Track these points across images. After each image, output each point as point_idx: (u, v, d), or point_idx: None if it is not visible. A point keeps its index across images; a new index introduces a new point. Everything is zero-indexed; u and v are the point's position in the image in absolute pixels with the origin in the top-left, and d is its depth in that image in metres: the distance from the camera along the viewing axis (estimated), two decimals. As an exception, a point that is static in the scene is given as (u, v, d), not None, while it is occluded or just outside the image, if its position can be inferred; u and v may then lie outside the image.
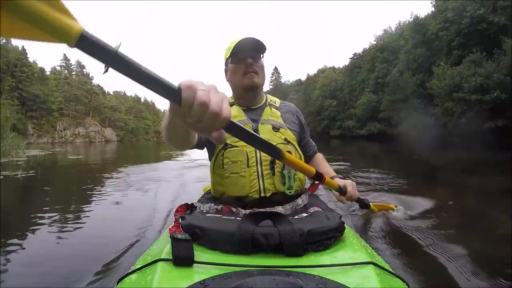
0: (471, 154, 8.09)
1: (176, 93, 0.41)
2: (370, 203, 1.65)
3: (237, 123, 0.50)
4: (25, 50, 53.29)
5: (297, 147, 1.05)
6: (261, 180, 0.96)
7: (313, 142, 1.31)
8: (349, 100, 32.95)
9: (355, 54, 35.27)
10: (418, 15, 22.90)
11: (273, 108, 1.10)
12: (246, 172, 0.95)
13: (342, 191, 1.06)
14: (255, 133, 0.57)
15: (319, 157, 1.31)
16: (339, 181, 1.09)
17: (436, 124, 17.08)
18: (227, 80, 1.13)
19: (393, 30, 30.17)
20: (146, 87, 0.41)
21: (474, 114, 13.77)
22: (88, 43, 0.36)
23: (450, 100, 15.67)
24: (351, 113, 30.93)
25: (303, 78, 54.86)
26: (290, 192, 0.96)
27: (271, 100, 1.15)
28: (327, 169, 1.25)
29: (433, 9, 21.10)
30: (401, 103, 21.16)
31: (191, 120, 0.43)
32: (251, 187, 0.95)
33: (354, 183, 1.12)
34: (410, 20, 24.34)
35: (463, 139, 12.63)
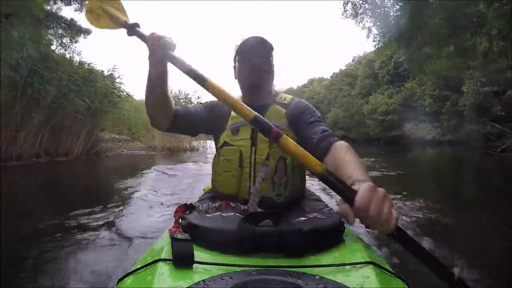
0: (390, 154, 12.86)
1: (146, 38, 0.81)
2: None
3: (178, 56, 0.79)
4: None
5: None
6: (252, 182, 0.96)
7: (327, 128, 0.96)
8: (326, 111, 41.41)
9: (334, 73, 43.92)
10: (368, 53, 31.78)
11: (278, 106, 1.06)
12: (237, 172, 0.96)
13: (347, 197, 0.52)
14: (197, 71, 0.74)
15: (342, 147, 0.81)
16: (361, 181, 0.58)
17: (369, 133, 25.86)
18: (235, 78, 1.13)
19: (361, 56, 38.77)
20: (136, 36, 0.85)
21: (382, 128, 22.44)
22: (128, 27, 0.85)
23: (369, 119, 24.53)
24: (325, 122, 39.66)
25: (295, 86, 62.85)
26: (279, 199, 0.93)
27: (280, 98, 1.11)
28: (350, 159, 0.73)
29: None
30: (349, 118, 30.28)
31: (151, 47, 0.80)
32: (241, 187, 0.96)
33: (383, 190, 0.51)
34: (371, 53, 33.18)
35: (381, 145, 21.10)
